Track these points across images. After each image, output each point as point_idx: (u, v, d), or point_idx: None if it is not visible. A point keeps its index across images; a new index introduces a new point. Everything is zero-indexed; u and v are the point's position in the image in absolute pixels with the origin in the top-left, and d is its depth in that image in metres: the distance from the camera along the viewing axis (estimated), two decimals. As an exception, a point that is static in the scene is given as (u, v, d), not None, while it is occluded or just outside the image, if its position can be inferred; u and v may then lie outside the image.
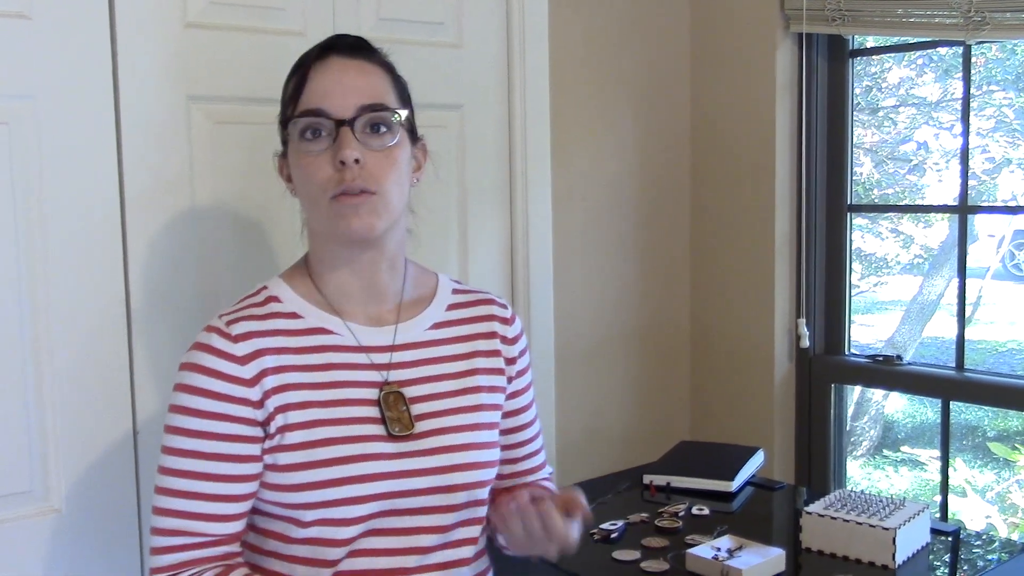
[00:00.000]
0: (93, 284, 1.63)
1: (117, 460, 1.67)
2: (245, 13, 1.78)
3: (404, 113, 1.30)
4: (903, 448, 5.24)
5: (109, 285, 1.65)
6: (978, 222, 5.30)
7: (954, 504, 3.48)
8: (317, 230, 1.31)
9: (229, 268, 1.78)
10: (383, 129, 1.26)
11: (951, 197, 4.50)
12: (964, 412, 5.04)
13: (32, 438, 1.59)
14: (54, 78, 1.57)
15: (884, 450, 5.33)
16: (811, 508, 1.72)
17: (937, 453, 5.05)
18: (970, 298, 5.57)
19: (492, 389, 1.38)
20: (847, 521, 1.65)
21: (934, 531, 1.79)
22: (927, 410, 5.49)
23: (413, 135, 1.33)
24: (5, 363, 1.56)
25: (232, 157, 1.78)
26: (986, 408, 4.55)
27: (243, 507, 1.26)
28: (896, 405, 5.54)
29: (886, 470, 5.18)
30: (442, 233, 2.09)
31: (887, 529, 1.61)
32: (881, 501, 1.74)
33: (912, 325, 5.32)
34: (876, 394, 5.16)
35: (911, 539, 1.67)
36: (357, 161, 1.22)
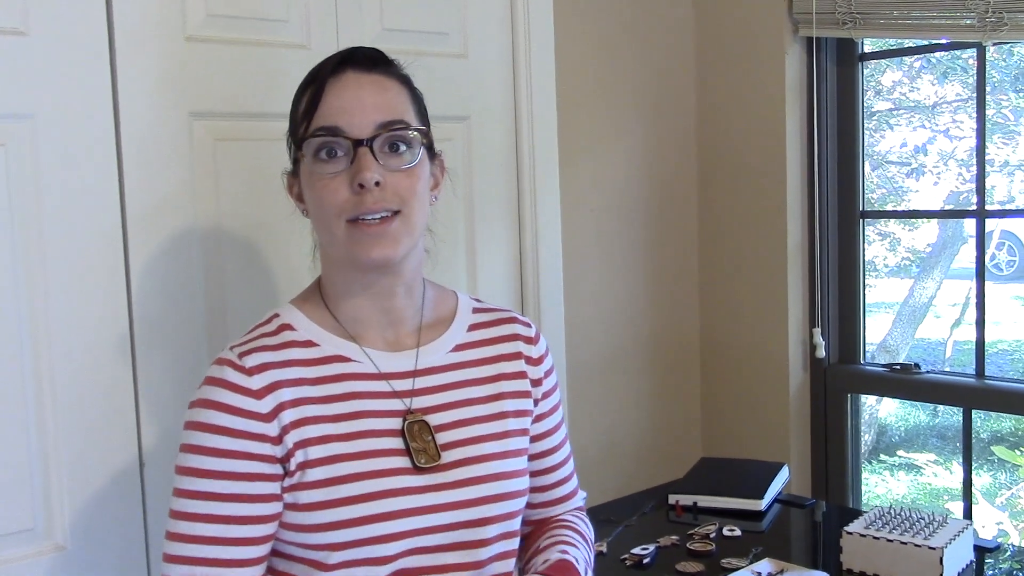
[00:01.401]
0: (95, 308, 1.56)
1: (123, 493, 1.60)
2: (246, 26, 1.72)
3: (424, 129, 1.24)
4: (899, 452, 5.22)
5: (111, 309, 1.58)
6: (966, 224, 5.31)
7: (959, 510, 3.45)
8: (332, 255, 1.24)
9: (235, 288, 1.72)
10: (403, 148, 1.20)
11: (941, 200, 4.50)
12: (957, 414, 5.03)
13: (34, 472, 1.52)
14: (52, 96, 1.51)
15: (880, 454, 5.31)
16: (852, 528, 1.67)
17: (933, 456, 5.05)
18: (959, 299, 5.58)
19: (519, 413, 1.31)
20: (891, 541, 1.60)
21: (976, 548, 1.74)
22: (919, 413, 5.47)
23: (431, 151, 1.27)
24: (4, 392, 1.49)
25: (235, 174, 1.71)
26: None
27: (263, 550, 1.18)
28: (889, 408, 5.53)
29: (883, 475, 5.15)
30: (450, 246, 2.03)
31: (934, 548, 1.56)
32: (923, 518, 1.69)
33: (904, 328, 5.31)
34: (869, 398, 5.14)
35: (957, 558, 1.62)
36: (377, 184, 1.16)
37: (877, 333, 5.38)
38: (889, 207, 4.84)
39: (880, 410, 5.43)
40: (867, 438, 5.32)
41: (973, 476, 4.53)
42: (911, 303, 5.23)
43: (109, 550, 1.59)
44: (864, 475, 5.12)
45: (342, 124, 1.17)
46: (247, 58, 1.72)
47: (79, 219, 1.54)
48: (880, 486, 4.99)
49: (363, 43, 1.31)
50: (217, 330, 1.68)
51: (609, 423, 2.48)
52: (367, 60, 1.22)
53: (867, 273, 5.52)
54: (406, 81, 1.27)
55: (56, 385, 1.53)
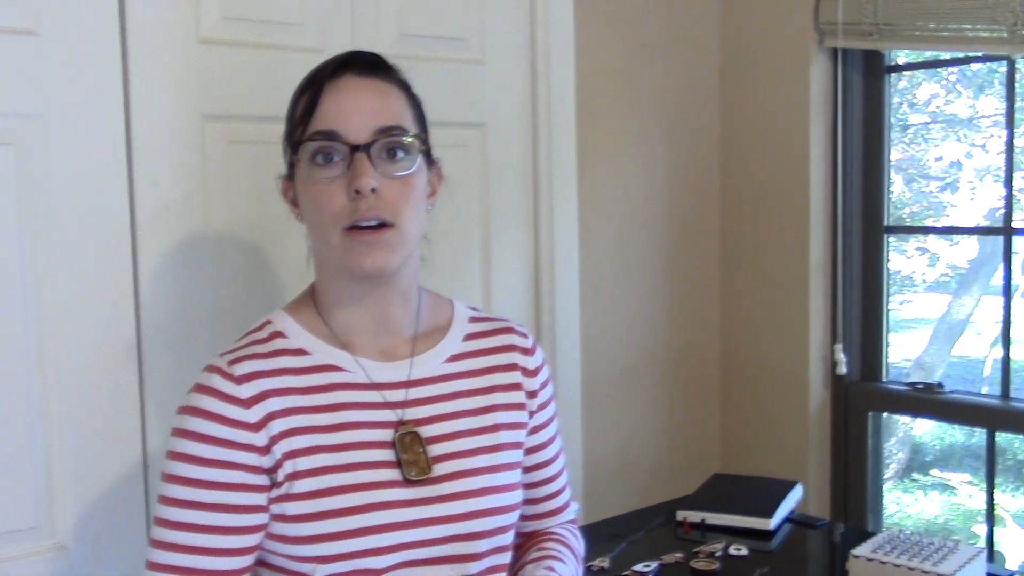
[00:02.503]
0: (102, 309, 1.57)
1: (126, 493, 1.61)
2: (261, 29, 1.72)
3: (422, 136, 1.22)
4: (932, 472, 5.11)
5: (119, 310, 1.59)
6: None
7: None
8: (326, 262, 1.22)
9: (244, 293, 1.72)
10: (400, 154, 1.18)
11: (981, 216, 4.40)
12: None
13: (37, 471, 1.53)
14: (63, 96, 1.52)
15: (913, 473, 5.20)
16: (859, 551, 1.63)
17: (968, 477, 4.94)
18: (999, 317, 5.45)
19: (512, 426, 1.29)
20: (898, 566, 1.56)
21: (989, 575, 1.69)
22: (956, 432, 5.36)
23: (429, 158, 1.25)
24: (9, 392, 1.50)
25: (247, 178, 1.72)
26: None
27: (247, 561, 1.17)
28: (924, 427, 5.42)
29: (915, 494, 5.05)
30: (464, 256, 2.02)
31: (942, 575, 1.52)
32: (933, 543, 1.65)
33: (940, 345, 5.21)
34: (904, 415, 5.04)
35: (966, 585, 1.58)
36: (374, 190, 1.14)
37: (914, 350, 5.28)
38: (928, 222, 4.74)
39: (915, 428, 5.33)
40: (900, 456, 5.22)
41: (1008, 499, 4.43)
42: (948, 320, 5.13)
43: (110, 551, 1.59)
44: (897, 494, 5.04)
45: (340, 128, 1.16)
46: (261, 61, 1.72)
47: (88, 220, 1.55)
48: (913, 506, 4.89)
49: (379, 48, 1.30)
50: (225, 334, 1.67)
51: (625, 436, 2.45)
52: (366, 64, 1.21)
53: (905, 289, 5.43)
54: (405, 87, 1.25)
55: (62, 385, 1.54)
